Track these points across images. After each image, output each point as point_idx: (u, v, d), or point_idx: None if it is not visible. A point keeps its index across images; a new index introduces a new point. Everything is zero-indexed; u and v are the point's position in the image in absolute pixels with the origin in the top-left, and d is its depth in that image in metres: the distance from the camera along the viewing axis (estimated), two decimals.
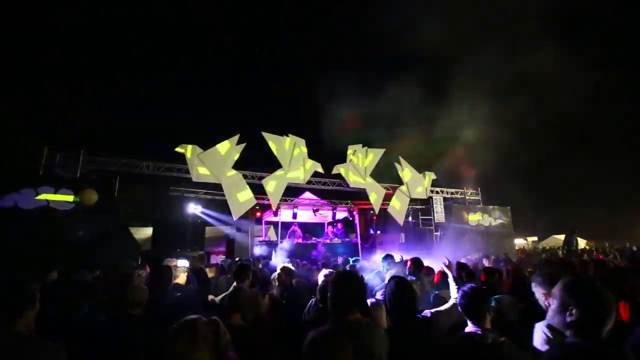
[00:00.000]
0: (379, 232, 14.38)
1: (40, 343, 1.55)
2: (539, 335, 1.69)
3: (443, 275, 3.70)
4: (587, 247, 17.05)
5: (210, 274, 5.67)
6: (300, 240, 12.66)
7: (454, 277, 2.95)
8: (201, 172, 9.04)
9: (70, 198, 7.69)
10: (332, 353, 1.24)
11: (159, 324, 2.39)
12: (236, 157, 9.50)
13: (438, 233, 13.50)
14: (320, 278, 3.38)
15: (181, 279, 4.01)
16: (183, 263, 5.47)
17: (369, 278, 3.86)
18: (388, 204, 11.99)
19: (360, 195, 12.44)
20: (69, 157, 8.48)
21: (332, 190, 12.11)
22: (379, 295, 2.89)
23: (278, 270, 3.90)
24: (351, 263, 5.89)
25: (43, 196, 7.46)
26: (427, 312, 2.47)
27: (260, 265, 6.41)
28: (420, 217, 13.92)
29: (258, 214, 12.15)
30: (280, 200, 10.57)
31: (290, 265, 4.24)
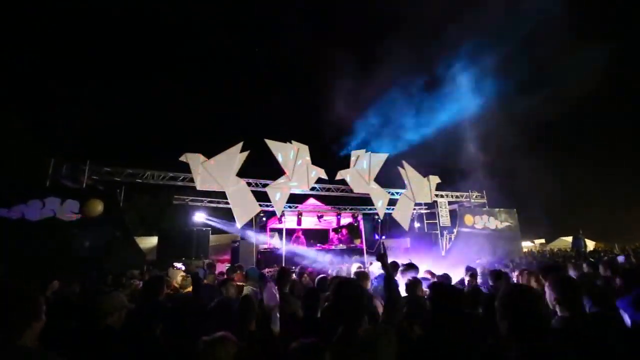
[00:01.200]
0: (384, 237, 14.29)
1: (47, 356, 1.49)
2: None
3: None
4: (597, 249, 16.78)
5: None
6: (304, 247, 12.61)
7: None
8: (205, 180, 9.07)
9: (76, 209, 7.75)
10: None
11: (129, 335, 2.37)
12: (240, 165, 9.54)
13: (444, 237, 13.38)
14: None
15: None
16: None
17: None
18: (393, 209, 11.93)
19: (364, 200, 12.40)
20: (75, 167, 8.56)
21: (336, 196, 12.10)
22: None
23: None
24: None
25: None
26: None
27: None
28: (426, 221, 13.83)
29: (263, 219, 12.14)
30: (284, 207, 10.56)
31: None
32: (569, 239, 17.61)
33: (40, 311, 1.58)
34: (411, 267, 4.05)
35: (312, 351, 1.30)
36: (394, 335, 1.76)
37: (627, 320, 1.98)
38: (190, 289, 4.25)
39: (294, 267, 7.08)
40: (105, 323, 2.25)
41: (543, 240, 27.79)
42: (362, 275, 3.75)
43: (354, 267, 3.67)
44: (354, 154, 11.10)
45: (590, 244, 18.15)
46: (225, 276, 5.47)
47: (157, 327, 2.58)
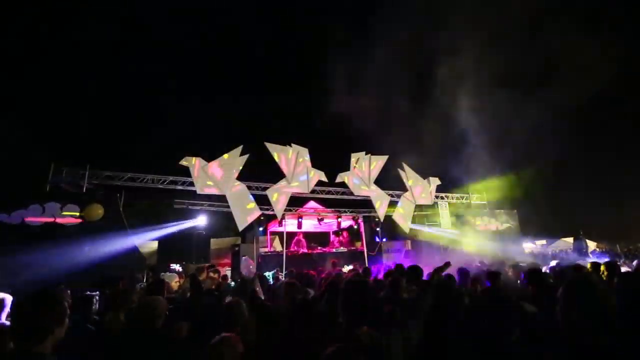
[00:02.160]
0: (384, 239, 14.25)
1: None
2: None
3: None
4: (598, 249, 16.76)
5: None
6: (305, 250, 12.58)
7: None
8: (205, 184, 9.08)
9: (76, 213, 7.75)
10: None
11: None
12: (240, 168, 9.54)
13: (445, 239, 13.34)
14: None
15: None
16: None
17: None
18: (393, 211, 11.92)
19: (365, 203, 12.39)
20: (74, 172, 8.56)
21: (337, 199, 12.08)
22: None
23: None
24: None
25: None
26: None
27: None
28: (427, 223, 13.80)
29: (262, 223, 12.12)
30: (284, 210, 10.56)
31: None
32: (570, 239, 17.57)
33: (65, 316, 1.55)
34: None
35: (349, 355, 1.31)
36: (400, 337, 1.77)
37: None
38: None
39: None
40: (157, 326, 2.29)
41: (544, 241, 27.73)
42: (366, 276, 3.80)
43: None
44: (354, 156, 11.11)
45: (592, 245, 18.12)
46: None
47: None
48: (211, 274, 4.82)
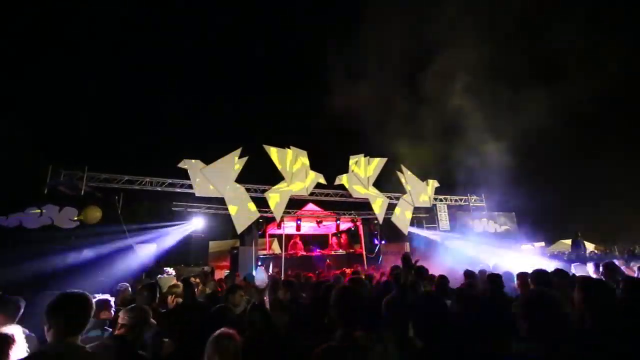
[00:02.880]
0: (383, 242, 14.25)
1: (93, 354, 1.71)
2: None
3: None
4: (596, 251, 16.78)
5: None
6: (302, 252, 12.57)
7: None
8: (204, 186, 9.06)
9: (74, 216, 7.72)
10: None
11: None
12: (238, 170, 9.54)
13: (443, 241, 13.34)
14: None
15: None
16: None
17: None
18: (392, 213, 11.92)
19: (363, 205, 12.39)
20: (72, 175, 8.54)
21: (335, 201, 12.08)
22: None
23: None
24: None
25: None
26: None
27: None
28: (425, 226, 13.80)
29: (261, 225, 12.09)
30: (283, 213, 10.55)
31: None
32: (569, 241, 17.60)
33: (91, 314, 1.76)
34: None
35: (336, 355, 1.32)
36: (392, 342, 1.76)
37: None
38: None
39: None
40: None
41: (543, 244, 27.78)
42: (358, 282, 3.78)
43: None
44: (353, 159, 11.12)
45: (590, 246, 18.14)
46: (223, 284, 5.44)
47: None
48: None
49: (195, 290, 4.59)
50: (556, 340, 1.31)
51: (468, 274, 4.51)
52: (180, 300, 3.91)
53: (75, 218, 7.72)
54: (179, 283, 4.50)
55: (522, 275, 3.84)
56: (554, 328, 1.34)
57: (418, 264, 3.93)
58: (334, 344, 1.62)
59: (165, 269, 8.34)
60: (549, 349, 1.30)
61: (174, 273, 7.95)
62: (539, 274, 3.33)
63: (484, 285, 3.85)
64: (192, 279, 5.34)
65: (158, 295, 3.83)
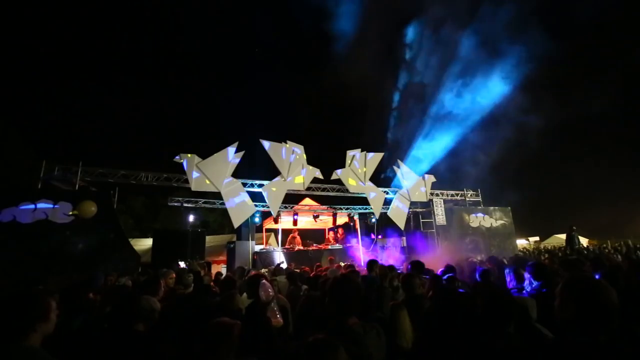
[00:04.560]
0: (379, 236, 14.31)
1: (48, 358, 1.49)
2: None
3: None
4: (589, 246, 16.99)
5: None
6: (300, 247, 12.58)
7: None
8: (200, 181, 9.02)
9: (69, 211, 7.67)
10: (325, 357, 1.27)
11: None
12: (235, 165, 9.50)
13: (440, 236, 13.44)
14: None
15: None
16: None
17: None
18: (388, 208, 11.96)
19: (360, 200, 12.42)
20: (67, 169, 8.46)
21: (332, 196, 12.10)
22: None
23: None
24: None
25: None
26: None
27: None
28: (422, 220, 13.87)
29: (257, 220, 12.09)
30: (280, 207, 10.54)
31: None
32: (563, 236, 17.79)
33: (48, 313, 1.60)
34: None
35: (326, 347, 1.31)
36: (382, 329, 1.80)
37: None
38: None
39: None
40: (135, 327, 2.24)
41: (537, 238, 28.10)
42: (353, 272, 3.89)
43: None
44: (349, 154, 11.11)
45: (584, 241, 18.36)
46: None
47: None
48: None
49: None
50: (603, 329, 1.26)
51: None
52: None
53: (70, 213, 7.67)
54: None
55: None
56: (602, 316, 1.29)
57: (413, 259, 4.03)
58: (327, 333, 1.63)
59: (179, 263, 8.39)
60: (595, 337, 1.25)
61: (185, 266, 7.99)
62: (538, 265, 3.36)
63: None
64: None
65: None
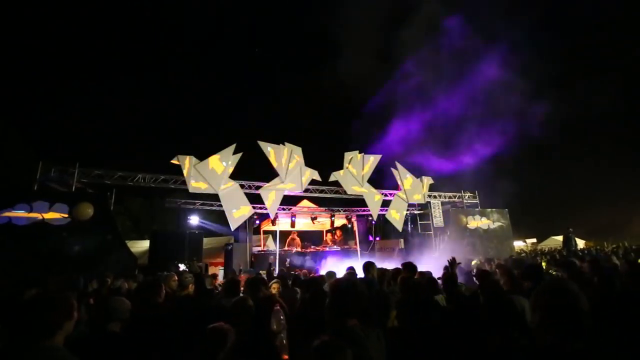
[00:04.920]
0: (377, 238, 14.33)
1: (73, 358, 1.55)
2: None
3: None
4: (585, 248, 17.05)
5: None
6: (299, 249, 12.58)
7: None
8: (198, 183, 9.00)
9: (65, 213, 7.62)
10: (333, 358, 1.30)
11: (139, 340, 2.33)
12: (233, 166, 9.48)
13: (437, 238, 13.45)
14: None
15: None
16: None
17: None
18: (386, 210, 11.97)
19: (358, 202, 12.41)
20: (64, 171, 8.42)
21: (330, 198, 12.09)
22: None
23: None
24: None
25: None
26: None
27: None
28: (419, 222, 13.89)
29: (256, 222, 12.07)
30: (277, 209, 10.52)
31: None
32: (560, 237, 17.85)
33: (73, 312, 1.66)
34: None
35: (334, 349, 1.33)
36: (382, 332, 1.80)
37: None
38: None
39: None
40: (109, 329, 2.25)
41: (534, 240, 28.15)
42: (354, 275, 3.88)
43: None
44: (347, 155, 11.11)
45: (581, 243, 18.43)
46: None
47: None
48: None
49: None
50: (570, 331, 1.28)
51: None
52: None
53: (66, 214, 7.62)
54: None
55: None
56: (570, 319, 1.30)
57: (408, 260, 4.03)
58: (328, 334, 1.63)
59: (178, 264, 8.34)
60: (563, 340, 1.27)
61: (185, 268, 7.94)
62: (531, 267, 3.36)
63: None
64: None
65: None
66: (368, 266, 4.13)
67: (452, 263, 3.46)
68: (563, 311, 1.32)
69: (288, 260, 11.24)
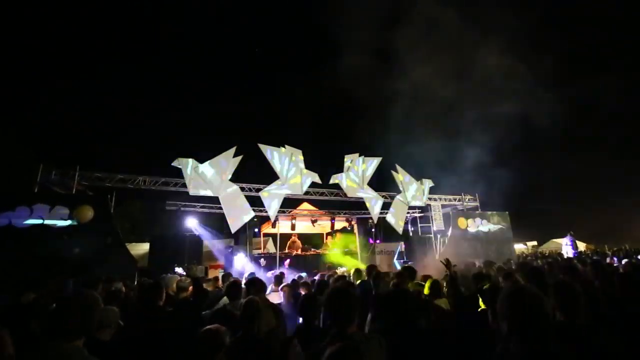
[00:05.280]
0: (378, 241, 14.29)
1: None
2: None
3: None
4: (587, 250, 17.02)
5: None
6: (299, 252, 12.55)
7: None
8: (198, 185, 9.00)
9: (65, 215, 7.61)
10: None
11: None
12: (233, 169, 9.49)
13: (438, 240, 13.42)
14: None
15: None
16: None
17: None
18: (386, 213, 11.95)
19: (358, 204, 12.40)
20: (64, 173, 8.42)
21: (330, 201, 12.08)
22: None
23: None
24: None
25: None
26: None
27: None
28: (419, 225, 13.86)
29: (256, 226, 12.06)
30: (278, 212, 10.52)
31: None
32: (561, 240, 17.82)
33: (94, 318, 1.71)
34: None
35: (350, 354, 1.32)
36: (384, 340, 1.78)
37: None
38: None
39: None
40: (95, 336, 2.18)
41: (535, 243, 28.10)
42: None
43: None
44: (348, 158, 11.12)
45: (581, 246, 18.40)
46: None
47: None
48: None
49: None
50: (537, 338, 1.29)
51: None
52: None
53: (67, 217, 7.62)
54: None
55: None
56: (535, 325, 1.31)
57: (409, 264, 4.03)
58: (328, 341, 1.63)
59: (175, 269, 8.30)
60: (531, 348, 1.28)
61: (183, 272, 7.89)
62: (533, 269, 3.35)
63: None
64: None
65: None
66: (371, 270, 4.12)
67: (448, 265, 3.45)
68: (525, 317, 1.32)
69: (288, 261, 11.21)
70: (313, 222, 13.15)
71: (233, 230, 9.64)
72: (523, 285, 1.63)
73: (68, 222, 7.61)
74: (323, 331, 1.94)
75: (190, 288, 4.07)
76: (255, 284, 3.42)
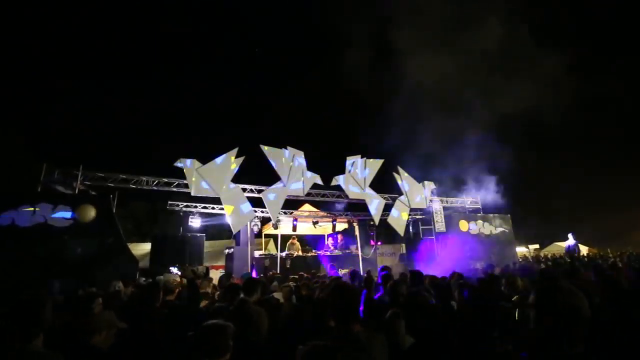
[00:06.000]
0: (379, 243, 14.25)
1: (55, 357, 1.55)
2: None
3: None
4: (589, 254, 16.92)
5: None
6: (299, 253, 12.52)
7: None
8: (200, 186, 9.02)
9: (68, 214, 7.65)
10: None
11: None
12: (235, 170, 9.51)
13: (439, 243, 13.37)
14: None
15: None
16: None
17: None
18: (388, 215, 11.93)
19: (360, 206, 12.39)
20: (67, 173, 8.46)
21: (332, 202, 12.07)
22: None
23: None
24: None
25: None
26: None
27: None
28: (421, 227, 13.82)
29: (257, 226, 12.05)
30: (279, 213, 10.52)
31: None
32: (563, 244, 17.73)
33: (49, 317, 1.70)
34: None
35: (324, 353, 1.28)
36: (385, 339, 1.78)
37: None
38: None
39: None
40: (91, 342, 2.09)
41: (537, 246, 27.96)
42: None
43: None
44: (349, 160, 11.12)
45: (584, 249, 18.29)
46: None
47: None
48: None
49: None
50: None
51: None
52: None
53: (69, 216, 7.65)
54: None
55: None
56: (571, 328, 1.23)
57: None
58: (332, 340, 1.62)
59: (171, 268, 8.30)
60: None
61: (177, 272, 7.88)
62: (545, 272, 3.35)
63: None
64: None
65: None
66: (353, 274, 4.11)
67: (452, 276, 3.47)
68: (570, 318, 1.24)
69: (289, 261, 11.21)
70: (314, 223, 13.13)
71: (234, 231, 9.65)
72: (570, 287, 1.53)
73: (70, 222, 7.64)
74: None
75: (177, 291, 3.97)
76: (248, 285, 3.34)
